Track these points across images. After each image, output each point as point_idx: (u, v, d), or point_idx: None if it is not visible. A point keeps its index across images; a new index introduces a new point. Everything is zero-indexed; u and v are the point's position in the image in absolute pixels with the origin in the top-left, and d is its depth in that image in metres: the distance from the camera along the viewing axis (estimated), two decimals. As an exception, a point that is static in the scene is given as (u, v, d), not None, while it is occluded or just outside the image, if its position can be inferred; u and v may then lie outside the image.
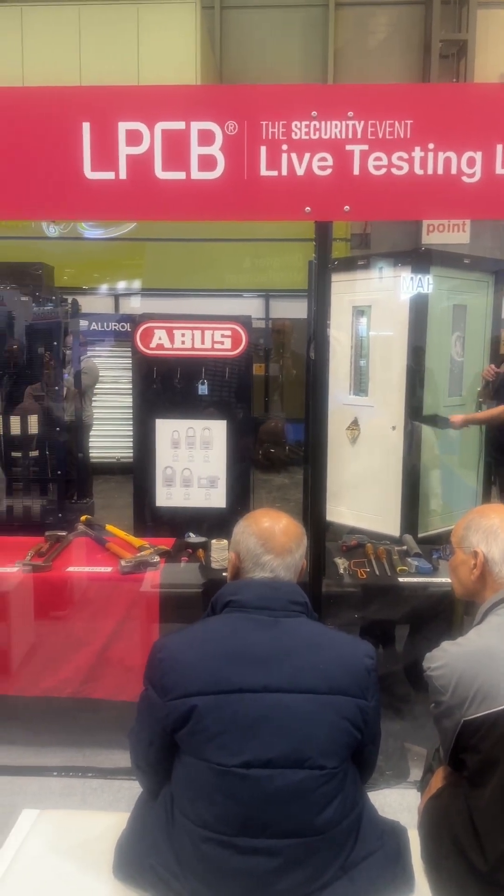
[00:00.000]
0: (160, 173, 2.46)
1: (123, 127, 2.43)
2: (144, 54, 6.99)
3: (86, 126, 2.45)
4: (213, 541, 3.25)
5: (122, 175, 2.47)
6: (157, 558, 3.13)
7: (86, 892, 1.70)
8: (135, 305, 8.60)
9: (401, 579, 3.07)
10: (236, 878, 1.54)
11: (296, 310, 7.89)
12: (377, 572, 3.13)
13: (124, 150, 2.45)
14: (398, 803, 2.63)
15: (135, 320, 4.62)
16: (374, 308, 5.02)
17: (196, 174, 2.45)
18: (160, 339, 4.43)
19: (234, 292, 8.32)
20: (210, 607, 1.75)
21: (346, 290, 5.05)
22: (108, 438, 8.46)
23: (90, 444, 7.00)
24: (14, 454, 5.67)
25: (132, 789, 2.73)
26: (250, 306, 8.01)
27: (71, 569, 3.12)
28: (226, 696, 1.57)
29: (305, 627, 1.68)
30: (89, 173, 2.48)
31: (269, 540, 1.72)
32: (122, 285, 8.56)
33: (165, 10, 6.91)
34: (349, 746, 1.60)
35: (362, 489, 5.07)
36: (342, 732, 1.58)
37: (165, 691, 1.61)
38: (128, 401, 8.47)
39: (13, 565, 3.09)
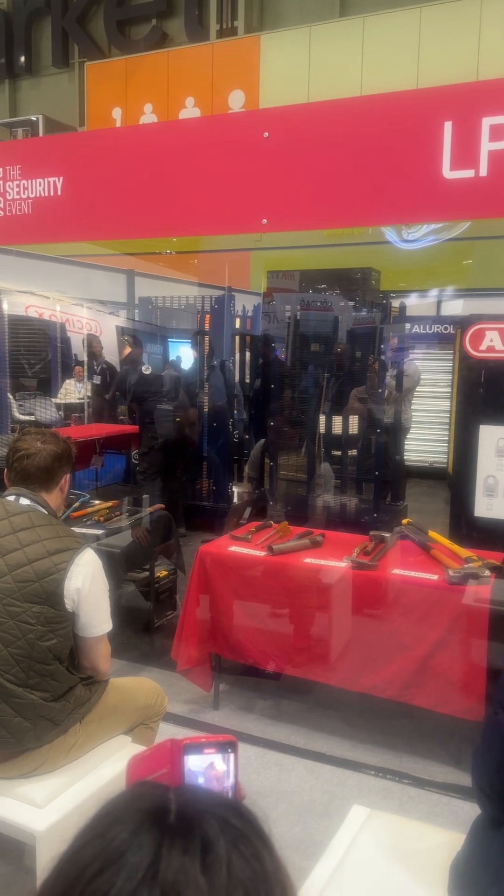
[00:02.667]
0: (524, 166, 2.32)
1: (487, 122, 2.34)
2: (485, 49, 6.73)
3: (447, 125, 2.41)
4: (552, 561, 3.01)
5: (483, 172, 2.38)
6: (486, 572, 2.98)
7: (419, 905, 1.67)
8: (457, 307, 8.37)
9: None
10: None
11: None
12: None
13: (486, 146, 2.36)
14: None
15: (464, 322, 4.48)
16: None
17: None
18: (492, 340, 4.23)
19: None
20: None
21: None
22: (422, 442, 8.38)
23: (405, 448, 7.00)
24: (334, 453, 5.90)
25: (450, 805, 2.68)
26: None
27: (396, 571, 3.12)
28: None
29: None
30: (448, 173, 2.43)
31: None
32: (445, 287, 8.39)
33: (512, -3, 6.59)
34: None
35: None
36: None
37: (520, 718, 1.50)
38: (445, 405, 8.38)
39: (341, 560, 3.18)
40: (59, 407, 7.75)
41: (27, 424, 6.67)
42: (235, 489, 6.45)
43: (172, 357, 7.68)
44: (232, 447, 6.67)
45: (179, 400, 5.93)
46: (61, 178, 3.37)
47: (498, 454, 4.27)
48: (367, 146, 2.64)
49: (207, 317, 7.12)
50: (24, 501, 2.17)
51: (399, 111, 2.62)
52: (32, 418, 7.23)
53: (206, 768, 0.90)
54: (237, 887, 0.54)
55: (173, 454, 5.83)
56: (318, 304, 7.32)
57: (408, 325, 7.60)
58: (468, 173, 2.40)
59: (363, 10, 7.53)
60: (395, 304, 6.56)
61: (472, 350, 4.24)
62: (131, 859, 0.53)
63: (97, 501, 4.33)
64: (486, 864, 1.60)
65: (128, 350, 6.85)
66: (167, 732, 2.51)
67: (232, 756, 0.91)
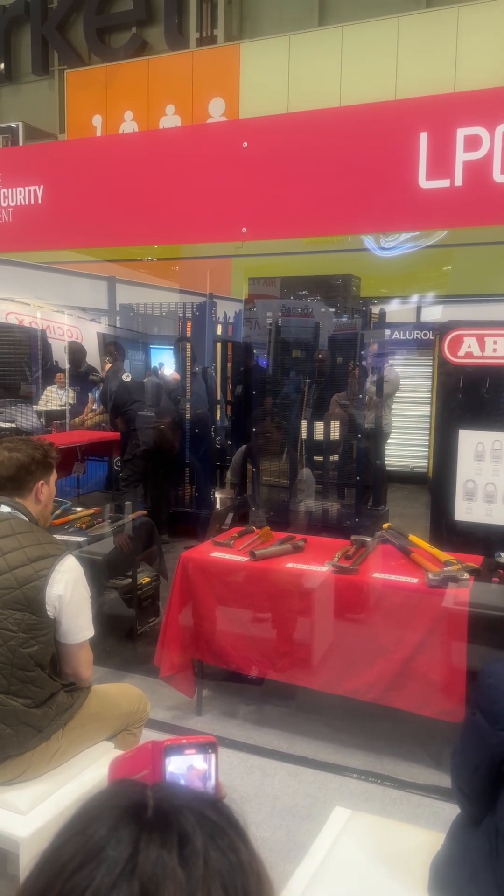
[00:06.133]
0: (498, 177, 2.37)
1: (462, 133, 2.39)
2: (462, 58, 6.82)
3: (423, 136, 2.45)
4: (530, 563, 3.05)
5: (458, 182, 2.42)
6: (465, 575, 3.02)
7: (400, 904, 1.69)
8: (437, 313, 8.46)
9: None
10: None
11: None
12: None
13: (461, 157, 2.40)
14: None
15: (442, 328, 4.53)
16: None
17: (538, 174, 2.32)
18: (469, 346, 4.28)
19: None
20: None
21: None
22: (403, 447, 8.44)
23: (385, 453, 7.05)
24: (316, 458, 5.93)
25: (431, 806, 2.71)
26: None
27: (377, 575, 3.15)
28: None
29: None
30: (423, 182, 2.48)
31: None
32: (425, 293, 8.48)
33: (488, 8, 6.68)
34: None
35: None
36: None
37: (496, 719, 1.53)
38: (425, 410, 8.45)
39: (323, 565, 3.21)
40: (40, 414, 7.72)
41: (8, 432, 6.65)
42: (218, 495, 6.46)
43: (155, 364, 7.69)
44: (214, 453, 6.69)
45: (162, 407, 5.94)
46: (41, 187, 3.38)
47: (477, 458, 4.32)
48: (344, 156, 2.68)
49: (189, 323, 7.14)
50: (5, 509, 2.17)
51: (376, 122, 2.66)
52: (13, 426, 7.20)
53: (187, 769, 0.91)
54: (214, 878, 0.56)
55: (156, 461, 5.84)
56: (300, 310, 7.36)
57: (388, 332, 7.66)
58: (443, 183, 2.45)
59: (342, 19, 7.60)
60: (376, 310, 6.62)
61: (450, 356, 4.30)
62: (110, 854, 0.55)
63: (79, 508, 4.33)
64: (464, 862, 1.63)
65: (109, 365, 6.88)
66: (150, 738, 2.52)
67: (213, 756, 0.93)
